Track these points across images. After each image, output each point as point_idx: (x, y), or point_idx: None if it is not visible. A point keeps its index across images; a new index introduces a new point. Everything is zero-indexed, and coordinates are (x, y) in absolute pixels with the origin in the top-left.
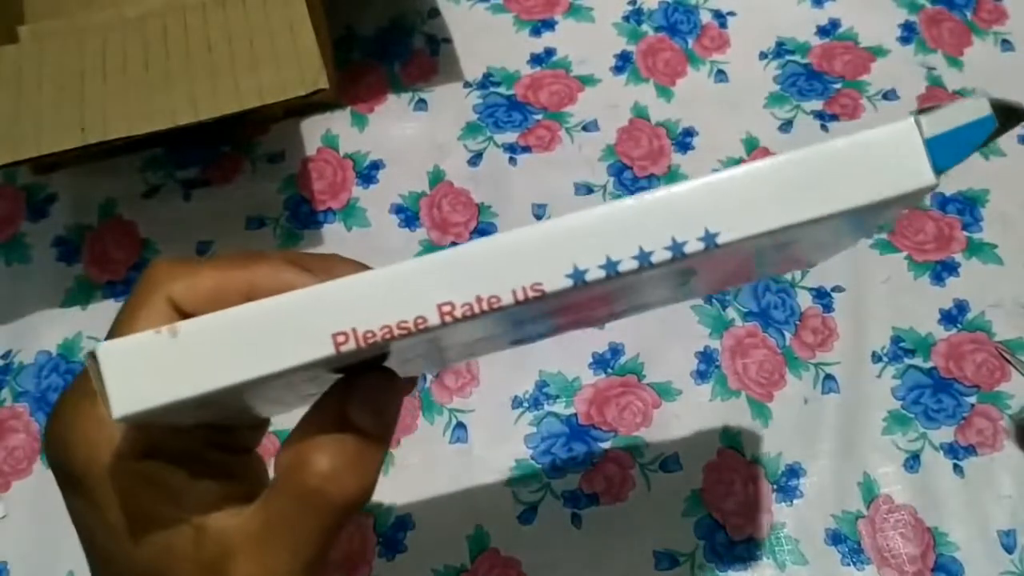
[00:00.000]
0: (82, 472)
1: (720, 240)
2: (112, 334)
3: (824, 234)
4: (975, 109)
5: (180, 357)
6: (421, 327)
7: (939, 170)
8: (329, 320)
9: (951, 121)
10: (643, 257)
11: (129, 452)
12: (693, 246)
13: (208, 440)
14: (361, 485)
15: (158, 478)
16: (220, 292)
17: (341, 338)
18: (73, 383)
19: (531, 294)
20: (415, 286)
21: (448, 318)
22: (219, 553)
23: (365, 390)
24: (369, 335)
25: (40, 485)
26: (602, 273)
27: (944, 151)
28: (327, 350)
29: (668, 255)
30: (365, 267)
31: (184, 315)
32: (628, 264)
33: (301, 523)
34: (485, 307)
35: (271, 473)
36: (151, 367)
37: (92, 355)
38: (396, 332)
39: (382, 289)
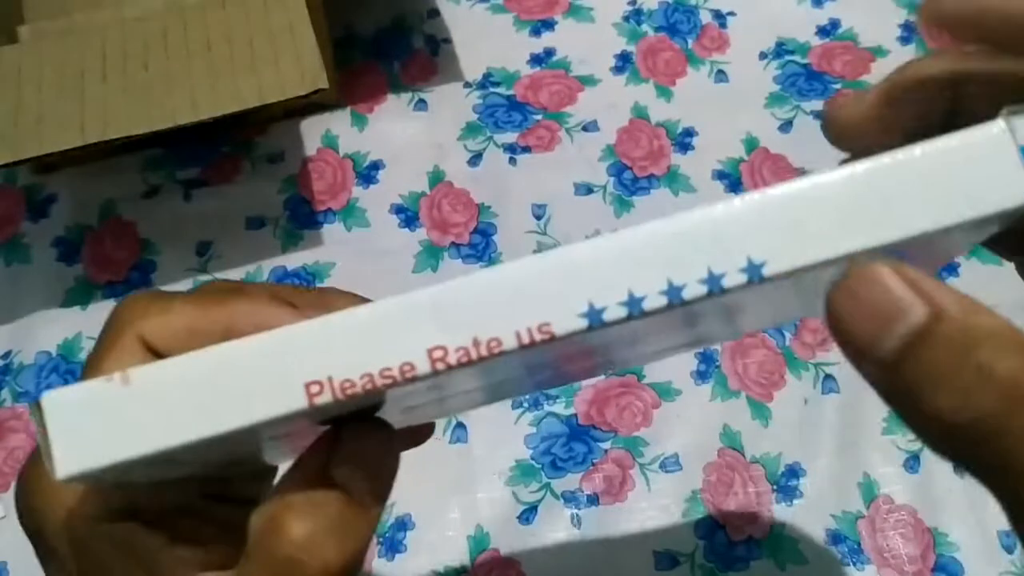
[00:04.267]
0: (52, 539)
1: (767, 271)
2: (81, 378)
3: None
4: None
5: (132, 409)
6: (408, 376)
7: None
8: (301, 367)
9: None
10: (672, 292)
11: (104, 513)
12: (734, 279)
13: (202, 491)
14: (344, 554)
15: (132, 543)
16: (195, 331)
17: (315, 388)
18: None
19: (538, 337)
20: (401, 327)
21: (440, 365)
22: None
23: (352, 445)
24: (347, 385)
25: None
26: (622, 312)
27: None
28: (298, 403)
29: (703, 289)
30: (365, 300)
31: (159, 356)
32: (654, 301)
33: None
34: (484, 352)
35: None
36: (100, 420)
37: (37, 404)
38: (379, 382)
39: (363, 330)
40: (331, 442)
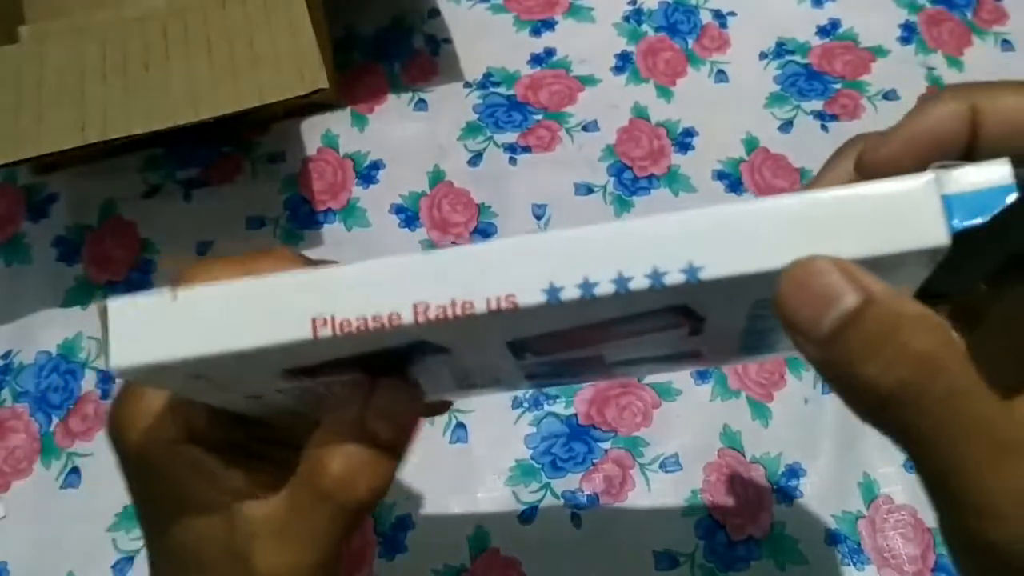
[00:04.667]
0: (130, 451)
1: (703, 276)
2: None
3: None
4: (998, 174)
5: (176, 320)
6: (395, 324)
7: (955, 231)
8: (310, 304)
9: (974, 181)
10: (621, 283)
11: (172, 436)
12: (674, 278)
13: (250, 434)
14: (371, 490)
15: (199, 461)
16: None
17: (320, 323)
18: (101, 338)
19: (504, 305)
20: (395, 282)
21: (422, 318)
22: (246, 539)
23: (383, 398)
24: (345, 324)
25: (40, 485)
26: (577, 293)
27: (962, 211)
28: (305, 333)
29: (647, 284)
30: None
31: None
32: (605, 288)
33: (317, 520)
34: (459, 311)
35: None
36: (150, 326)
37: (103, 307)
38: (371, 325)
39: (364, 281)
40: (366, 394)
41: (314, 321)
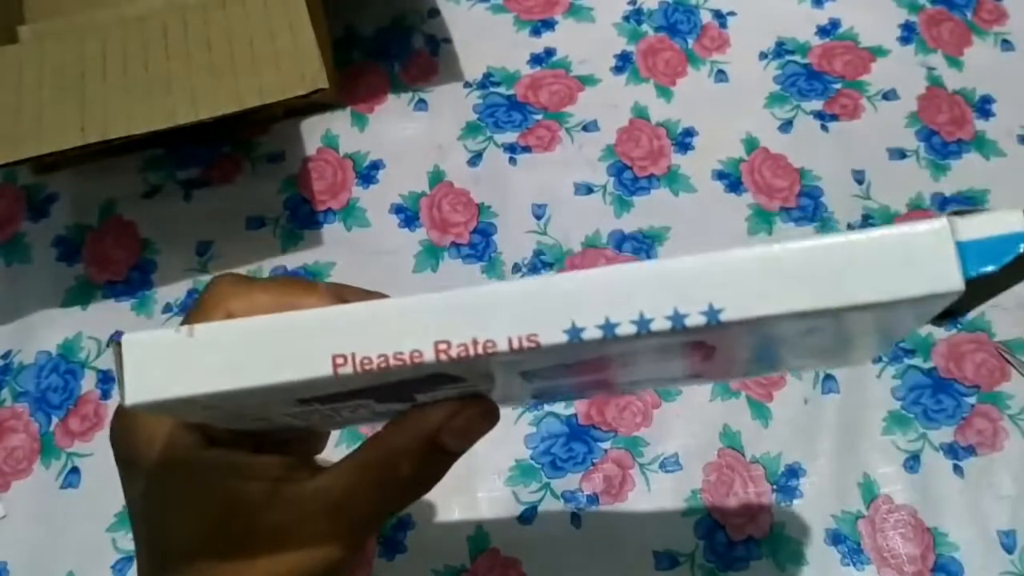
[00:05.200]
0: (150, 469)
1: (723, 317)
2: None
3: (832, 334)
4: (1010, 223)
5: (194, 356)
6: (416, 361)
7: (968, 277)
8: (331, 342)
9: (986, 229)
10: (642, 323)
11: (193, 443)
12: (695, 320)
13: (258, 446)
14: (430, 488)
15: (223, 459)
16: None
17: (340, 360)
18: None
19: (526, 344)
20: (416, 321)
21: (443, 356)
22: (295, 513)
23: (463, 419)
24: (366, 362)
25: (40, 485)
26: (599, 334)
27: (976, 258)
28: (325, 371)
29: (668, 325)
30: None
31: None
32: (626, 328)
33: (377, 503)
34: (480, 351)
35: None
36: (167, 362)
37: (117, 343)
38: (392, 363)
39: (385, 319)
40: (448, 413)
41: (334, 359)
